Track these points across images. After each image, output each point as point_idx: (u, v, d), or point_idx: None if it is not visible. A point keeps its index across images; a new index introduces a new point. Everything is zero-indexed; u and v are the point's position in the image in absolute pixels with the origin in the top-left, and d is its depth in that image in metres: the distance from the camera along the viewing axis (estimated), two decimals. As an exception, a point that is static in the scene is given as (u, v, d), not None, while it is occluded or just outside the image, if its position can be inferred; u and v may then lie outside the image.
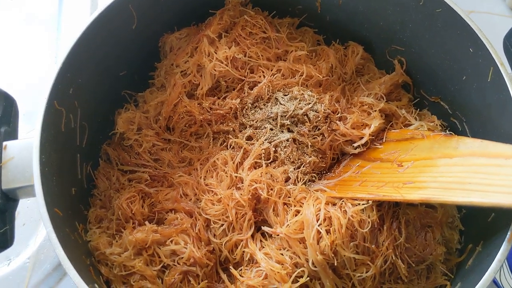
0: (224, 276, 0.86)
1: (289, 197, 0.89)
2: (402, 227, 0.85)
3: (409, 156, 0.89)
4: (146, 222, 0.89)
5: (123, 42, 0.99)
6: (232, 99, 0.99)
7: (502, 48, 1.00)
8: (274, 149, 0.94)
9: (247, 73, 1.02)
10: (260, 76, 1.01)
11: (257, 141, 0.95)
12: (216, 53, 1.00)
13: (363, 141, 0.96)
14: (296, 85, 1.01)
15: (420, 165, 0.85)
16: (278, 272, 0.80)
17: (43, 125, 0.78)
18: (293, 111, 0.96)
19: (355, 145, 0.97)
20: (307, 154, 0.96)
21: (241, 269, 0.85)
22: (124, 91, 1.06)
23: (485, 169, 0.75)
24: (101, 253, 0.85)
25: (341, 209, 0.84)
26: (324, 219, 0.82)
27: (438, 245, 0.86)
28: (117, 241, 0.87)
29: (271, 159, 0.94)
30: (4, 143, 0.80)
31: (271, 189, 0.88)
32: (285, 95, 0.99)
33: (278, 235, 0.84)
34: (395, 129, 0.99)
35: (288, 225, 0.83)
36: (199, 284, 0.83)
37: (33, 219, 1.11)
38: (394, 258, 0.83)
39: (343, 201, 0.85)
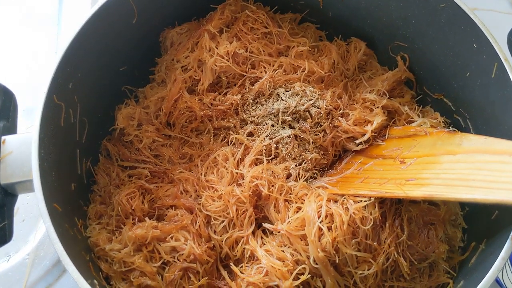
0: (224, 273, 0.86)
1: (290, 193, 0.88)
2: (405, 225, 0.84)
3: (412, 153, 0.88)
4: (146, 218, 0.88)
5: (123, 37, 0.98)
6: (233, 95, 0.99)
7: (506, 45, 0.99)
8: (275, 145, 0.94)
9: (248, 68, 1.01)
10: (261, 72, 1.00)
11: (258, 137, 0.94)
12: (217, 48, 0.99)
13: (365, 137, 0.95)
14: (298, 81, 1.00)
15: (423, 162, 0.85)
16: (279, 269, 0.79)
17: (42, 120, 0.78)
18: (295, 107, 0.95)
19: (357, 141, 0.96)
20: (308, 151, 0.95)
21: (241, 266, 0.84)
22: (124, 87, 1.05)
23: (489, 166, 0.74)
24: (101, 249, 0.85)
25: (343, 206, 0.83)
26: (326, 216, 0.81)
27: (441, 243, 0.86)
28: (116, 237, 0.86)
29: (272, 156, 0.93)
30: (3, 137, 0.79)
31: (272, 186, 0.88)
32: (286, 91, 0.98)
33: (279, 232, 0.83)
34: (397, 125, 0.98)
35: (289, 221, 0.83)
36: (199, 280, 0.83)
37: (33, 215, 1.11)
38: (396, 256, 0.82)
39: (345, 198, 0.85)
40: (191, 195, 0.91)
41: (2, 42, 1.32)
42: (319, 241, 0.79)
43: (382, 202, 0.85)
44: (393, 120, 0.99)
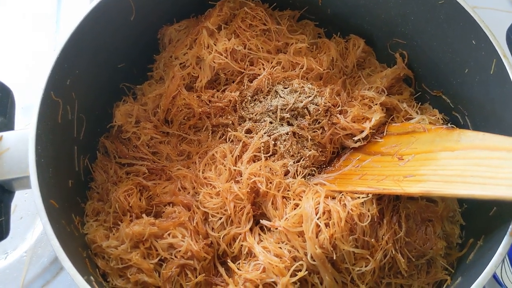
0: (222, 270, 0.85)
1: (288, 190, 0.88)
2: (402, 221, 0.84)
3: (410, 149, 0.88)
4: (144, 215, 0.88)
5: (121, 34, 0.98)
6: (231, 92, 0.98)
7: (505, 42, 0.99)
8: (273, 142, 0.93)
9: (247, 65, 1.01)
10: (260, 69, 1.00)
11: (257, 134, 0.94)
12: (215, 45, 0.99)
13: (363, 134, 0.95)
14: (296, 78, 1.00)
15: (421, 158, 0.84)
16: (276, 266, 0.79)
17: (40, 116, 0.78)
18: (293, 104, 0.95)
19: (355, 138, 0.96)
20: (307, 148, 0.95)
21: (239, 263, 0.84)
22: (122, 84, 1.05)
23: (487, 162, 0.74)
24: (98, 246, 0.84)
25: (340, 203, 0.83)
26: (323, 213, 0.81)
27: (439, 240, 0.85)
28: (114, 234, 0.86)
29: (271, 153, 0.93)
30: (0, 133, 0.79)
31: (270, 183, 0.87)
32: (285, 88, 0.98)
33: (276, 228, 0.83)
34: (396, 122, 0.98)
35: (287, 218, 0.82)
36: (196, 277, 0.82)
37: (31, 212, 1.10)
38: (394, 252, 0.82)
39: (342, 194, 0.84)
40: (189, 192, 0.91)
41: (1, 40, 1.32)
42: (317, 237, 0.79)
43: (380, 198, 0.84)
44: (392, 117, 0.99)
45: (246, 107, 0.98)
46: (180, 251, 0.83)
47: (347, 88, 1.03)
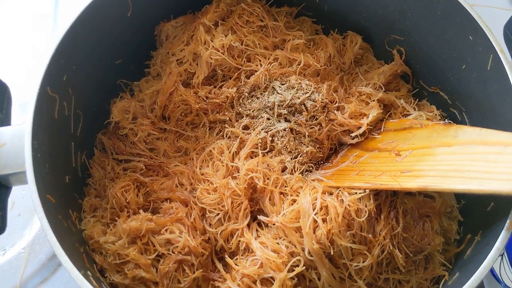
0: (219, 266, 0.85)
1: (285, 186, 0.88)
2: (400, 217, 0.84)
3: (407, 145, 0.88)
4: (141, 211, 0.88)
5: (118, 30, 0.97)
6: (228, 88, 0.98)
7: (503, 38, 0.99)
8: (271, 138, 0.93)
9: (244, 61, 1.00)
10: (257, 65, 1.00)
11: (254, 130, 0.94)
12: (212, 41, 0.98)
13: (361, 130, 0.95)
14: (293, 74, 1.00)
15: (418, 154, 0.84)
16: (273, 261, 0.78)
17: (36, 111, 0.77)
18: (290, 100, 0.95)
19: (352, 135, 0.96)
20: (304, 144, 0.95)
21: (236, 258, 0.84)
22: (119, 80, 1.05)
23: (484, 157, 0.74)
24: (95, 242, 0.84)
25: (337, 198, 0.83)
26: (321, 208, 0.81)
27: (436, 235, 0.85)
28: (111, 230, 0.86)
29: (268, 149, 0.93)
30: (-4, 129, 0.79)
31: (268, 179, 0.87)
32: (282, 84, 0.98)
33: (274, 224, 0.83)
34: (393, 119, 0.98)
35: (284, 214, 0.82)
36: (194, 273, 0.82)
37: (28, 209, 1.10)
38: (391, 248, 0.82)
39: (340, 190, 0.84)
40: (186, 188, 0.91)
41: (0, 39, 1.32)
42: (314, 233, 0.79)
43: (377, 194, 0.85)
44: (389, 113, 0.99)
45: (244, 104, 0.98)
46: (177, 246, 0.83)
47: (344, 84, 1.03)
